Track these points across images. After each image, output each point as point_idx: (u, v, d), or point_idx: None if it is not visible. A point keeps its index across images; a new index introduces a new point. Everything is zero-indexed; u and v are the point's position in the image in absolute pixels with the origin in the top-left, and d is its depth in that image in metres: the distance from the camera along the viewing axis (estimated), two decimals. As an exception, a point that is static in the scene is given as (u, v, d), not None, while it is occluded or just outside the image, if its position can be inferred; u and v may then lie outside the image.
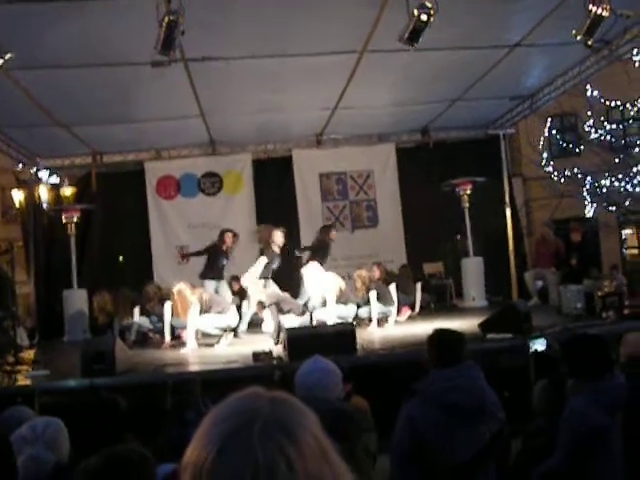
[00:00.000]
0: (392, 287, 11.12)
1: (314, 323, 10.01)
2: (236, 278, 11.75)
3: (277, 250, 10.26)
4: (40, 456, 3.22)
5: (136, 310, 11.14)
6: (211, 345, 9.65)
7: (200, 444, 1.02)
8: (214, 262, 11.13)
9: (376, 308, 10.64)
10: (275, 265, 10.21)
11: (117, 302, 11.28)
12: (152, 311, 11.11)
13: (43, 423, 3.46)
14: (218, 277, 11.16)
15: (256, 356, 7.81)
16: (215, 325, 9.70)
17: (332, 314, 10.00)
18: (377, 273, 11.35)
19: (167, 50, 7.09)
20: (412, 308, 12.03)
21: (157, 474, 2.46)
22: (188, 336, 9.71)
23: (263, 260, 10.03)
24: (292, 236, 11.64)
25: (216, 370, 7.47)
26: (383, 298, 10.76)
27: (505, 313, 8.45)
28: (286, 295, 10.31)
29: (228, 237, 11.15)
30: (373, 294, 10.58)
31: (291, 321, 9.65)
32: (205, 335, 9.88)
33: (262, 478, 0.95)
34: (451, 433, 3.38)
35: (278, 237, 10.26)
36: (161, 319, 10.62)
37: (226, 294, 11.13)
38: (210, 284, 10.95)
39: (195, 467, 1.00)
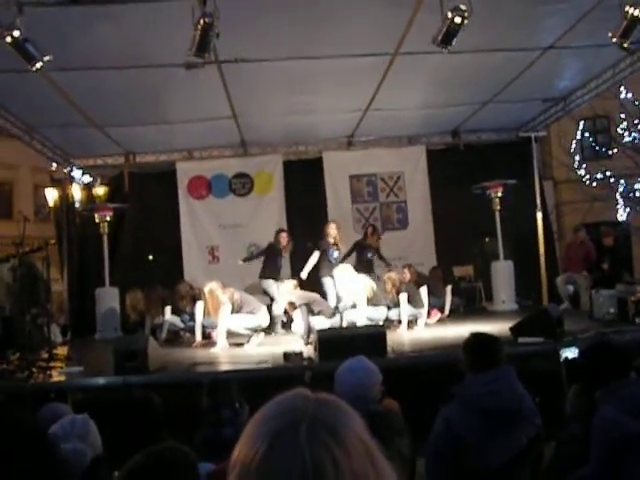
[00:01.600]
0: (423, 290, 11.09)
1: (344, 324, 10.02)
2: None
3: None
4: (77, 449, 3.24)
5: (167, 309, 11.25)
6: (241, 345, 9.71)
7: (248, 442, 1.03)
8: (272, 262, 11.41)
9: (406, 310, 10.63)
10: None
11: (149, 300, 11.41)
12: (184, 310, 11.21)
13: (71, 419, 3.50)
14: (277, 277, 11.36)
15: (287, 356, 7.84)
16: (246, 325, 9.75)
17: (362, 316, 10.01)
18: (408, 275, 11.35)
19: (202, 52, 7.15)
20: (442, 311, 11.99)
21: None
22: (219, 335, 9.78)
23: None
24: (322, 237, 11.66)
25: (247, 370, 7.52)
26: (413, 300, 10.74)
27: (537, 317, 8.38)
28: (317, 296, 10.34)
29: (283, 237, 11.53)
30: (403, 296, 10.57)
31: (321, 322, 9.67)
32: (235, 334, 9.91)
33: (310, 477, 0.97)
34: (487, 437, 3.36)
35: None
36: (192, 318, 10.70)
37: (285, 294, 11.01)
38: (268, 283, 11.16)
39: (243, 465, 1.01)
